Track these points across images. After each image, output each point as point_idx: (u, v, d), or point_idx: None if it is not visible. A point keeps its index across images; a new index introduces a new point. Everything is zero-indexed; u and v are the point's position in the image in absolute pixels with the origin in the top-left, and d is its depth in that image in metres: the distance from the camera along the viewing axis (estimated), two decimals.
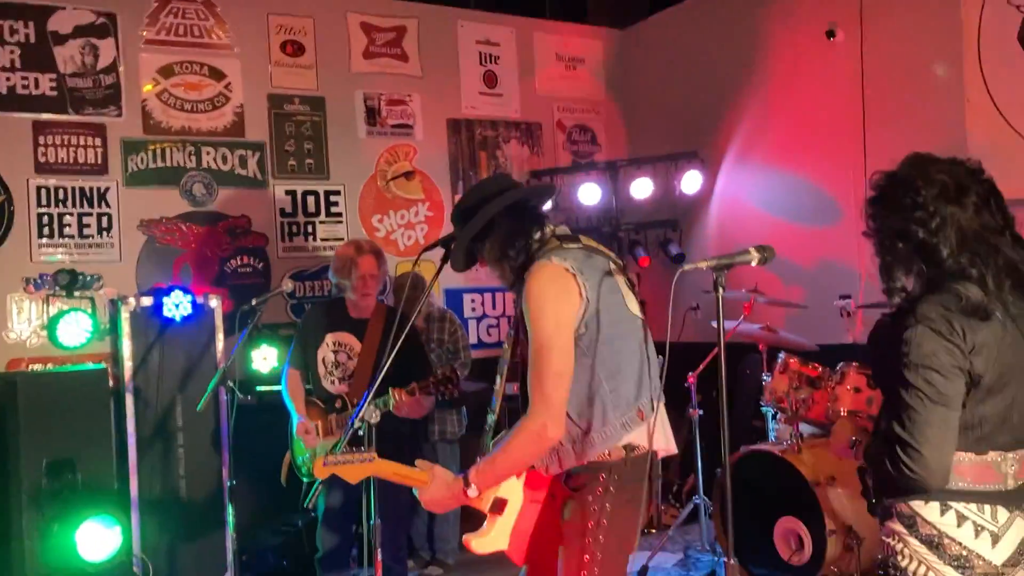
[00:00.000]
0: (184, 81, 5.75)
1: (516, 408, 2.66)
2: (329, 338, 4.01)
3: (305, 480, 4.08)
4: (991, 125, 4.82)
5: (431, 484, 2.63)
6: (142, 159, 5.59)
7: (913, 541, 2.10)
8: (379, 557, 3.05)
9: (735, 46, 6.47)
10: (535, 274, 2.54)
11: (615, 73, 7.47)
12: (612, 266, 2.64)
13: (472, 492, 2.56)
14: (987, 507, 2.07)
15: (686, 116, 6.88)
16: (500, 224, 2.65)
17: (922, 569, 2.08)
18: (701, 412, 5.08)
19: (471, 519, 6.18)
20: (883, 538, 2.18)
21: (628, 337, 2.59)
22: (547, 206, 2.88)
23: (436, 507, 2.70)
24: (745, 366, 5.95)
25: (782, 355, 4.59)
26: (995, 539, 2.07)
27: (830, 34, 5.64)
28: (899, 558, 2.11)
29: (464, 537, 2.83)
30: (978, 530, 2.07)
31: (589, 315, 2.51)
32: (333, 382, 3.98)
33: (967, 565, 2.05)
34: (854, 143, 5.56)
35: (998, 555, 2.06)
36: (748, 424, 5.79)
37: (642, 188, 6.40)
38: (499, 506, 2.76)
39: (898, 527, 2.13)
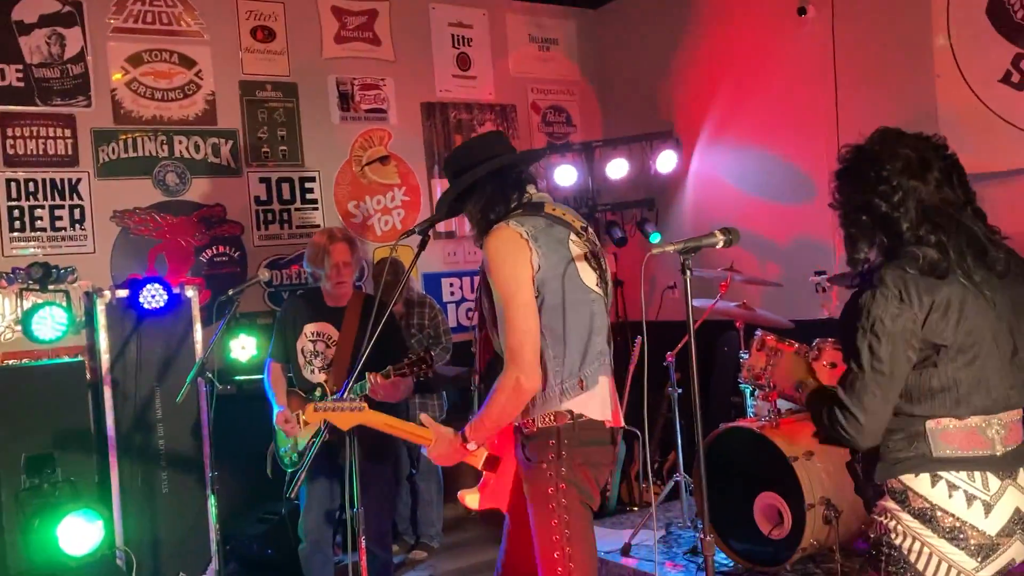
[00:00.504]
0: (154, 69, 5.68)
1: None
2: (307, 328, 4.01)
3: (288, 470, 4.08)
4: (961, 99, 4.85)
5: (436, 442, 2.80)
6: (113, 149, 5.53)
7: (905, 516, 2.11)
8: (363, 543, 3.06)
9: (708, 24, 6.47)
10: (492, 236, 2.67)
11: (589, 53, 7.46)
12: (573, 237, 2.73)
13: (471, 446, 2.76)
14: (977, 474, 2.09)
15: (660, 95, 6.88)
16: (484, 188, 2.77)
17: (916, 545, 2.09)
18: (680, 390, 5.11)
19: (454, 502, 6.21)
20: (875, 517, 2.18)
21: (577, 308, 2.68)
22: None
23: (444, 461, 2.85)
24: (723, 343, 5.99)
25: (759, 332, 4.61)
26: (988, 508, 2.07)
27: (801, 11, 5.66)
28: (892, 535, 2.12)
29: (459, 493, 2.97)
30: (970, 500, 2.07)
31: (539, 282, 2.62)
32: (313, 371, 3.98)
33: (961, 536, 2.06)
34: (826, 119, 5.60)
35: (992, 525, 2.07)
36: (727, 401, 5.85)
37: (618, 168, 6.41)
38: (492, 464, 2.89)
39: (890, 504, 2.13)
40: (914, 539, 2.09)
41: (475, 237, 2.83)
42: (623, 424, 2.83)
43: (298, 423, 3.97)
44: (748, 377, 4.56)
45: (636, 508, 5.80)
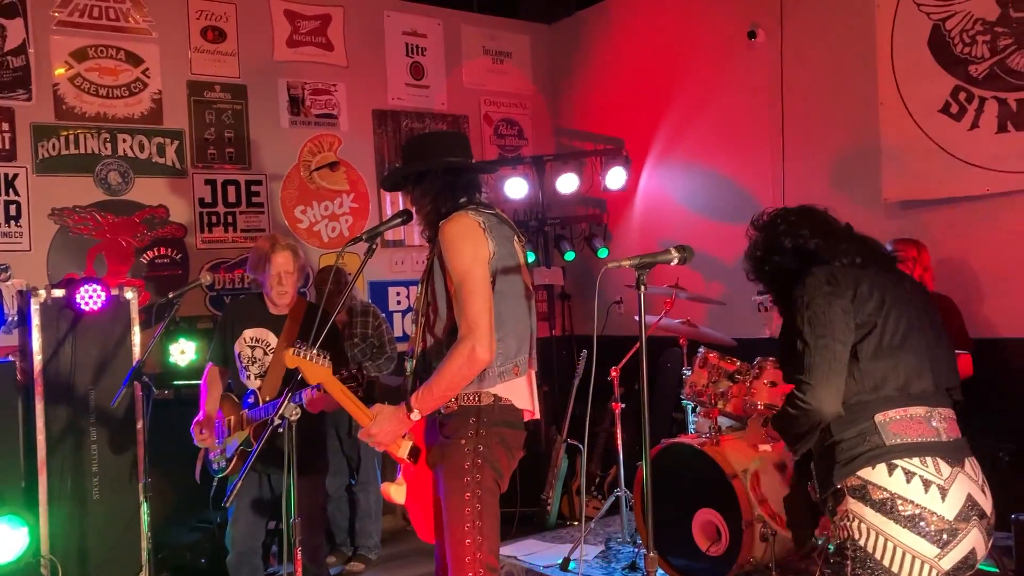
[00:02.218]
0: (99, 65, 5.56)
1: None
2: (247, 333, 3.95)
3: (217, 476, 4.00)
4: (902, 127, 4.98)
5: (378, 416, 2.80)
6: (54, 145, 5.40)
7: (868, 511, 2.20)
8: (299, 555, 3.01)
9: (660, 44, 6.56)
10: (453, 221, 2.80)
11: (542, 68, 7.50)
12: (516, 239, 2.94)
13: (415, 415, 2.76)
14: (929, 460, 2.21)
15: (611, 112, 6.95)
16: (436, 180, 2.91)
17: (880, 540, 2.18)
18: (623, 405, 5.14)
19: (393, 513, 6.14)
20: (838, 522, 2.28)
21: (518, 299, 2.84)
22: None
23: (382, 437, 2.82)
24: (666, 360, 6.05)
25: (702, 349, 4.67)
26: (943, 493, 2.18)
27: (751, 34, 5.76)
28: (856, 535, 2.21)
29: (383, 486, 2.99)
30: (927, 485, 2.18)
31: (491, 268, 2.77)
32: (249, 377, 3.92)
33: (921, 523, 2.16)
34: (773, 142, 5.70)
35: (948, 509, 2.18)
36: (669, 417, 5.89)
37: (568, 183, 6.44)
38: (415, 454, 2.92)
39: (852, 505, 2.23)
40: (877, 535, 2.19)
41: (423, 228, 2.96)
42: (539, 418, 2.97)
43: (227, 429, 3.92)
44: (691, 393, 4.64)
45: (576, 523, 5.81)
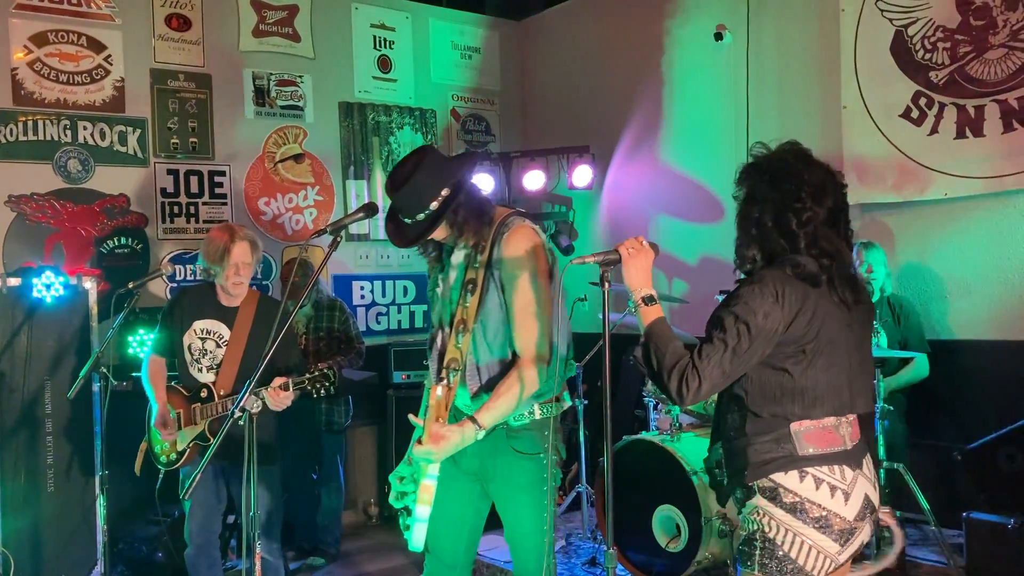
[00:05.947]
0: (60, 51, 5.46)
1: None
2: (197, 324, 3.88)
3: (162, 469, 3.96)
4: (865, 131, 5.05)
5: (452, 435, 2.69)
6: (11, 131, 5.29)
7: (778, 511, 2.28)
8: (259, 549, 2.98)
9: (628, 43, 6.58)
10: (519, 234, 2.78)
11: (511, 64, 7.50)
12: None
13: (481, 434, 2.73)
14: (836, 468, 2.30)
15: (579, 110, 6.96)
16: (464, 195, 2.77)
17: (789, 536, 2.27)
18: (586, 402, 5.17)
19: (354, 508, 6.13)
20: (747, 516, 2.35)
21: (562, 301, 2.82)
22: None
23: (444, 456, 2.74)
24: (629, 357, 6.08)
25: None
26: (846, 496, 2.29)
27: (718, 36, 5.80)
28: (766, 529, 2.29)
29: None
30: (833, 490, 2.28)
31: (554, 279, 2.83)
32: (200, 370, 3.86)
33: (827, 524, 2.27)
34: (738, 143, 5.75)
35: (850, 511, 2.29)
36: (631, 413, 5.93)
37: (534, 180, 6.45)
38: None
39: (761, 502, 2.31)
40: (787, 531, 2.28)
41: (467, 236, 2.82)
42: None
43: (178, 425, 3.86)
44: (653, 391, 4.68)
45: None
